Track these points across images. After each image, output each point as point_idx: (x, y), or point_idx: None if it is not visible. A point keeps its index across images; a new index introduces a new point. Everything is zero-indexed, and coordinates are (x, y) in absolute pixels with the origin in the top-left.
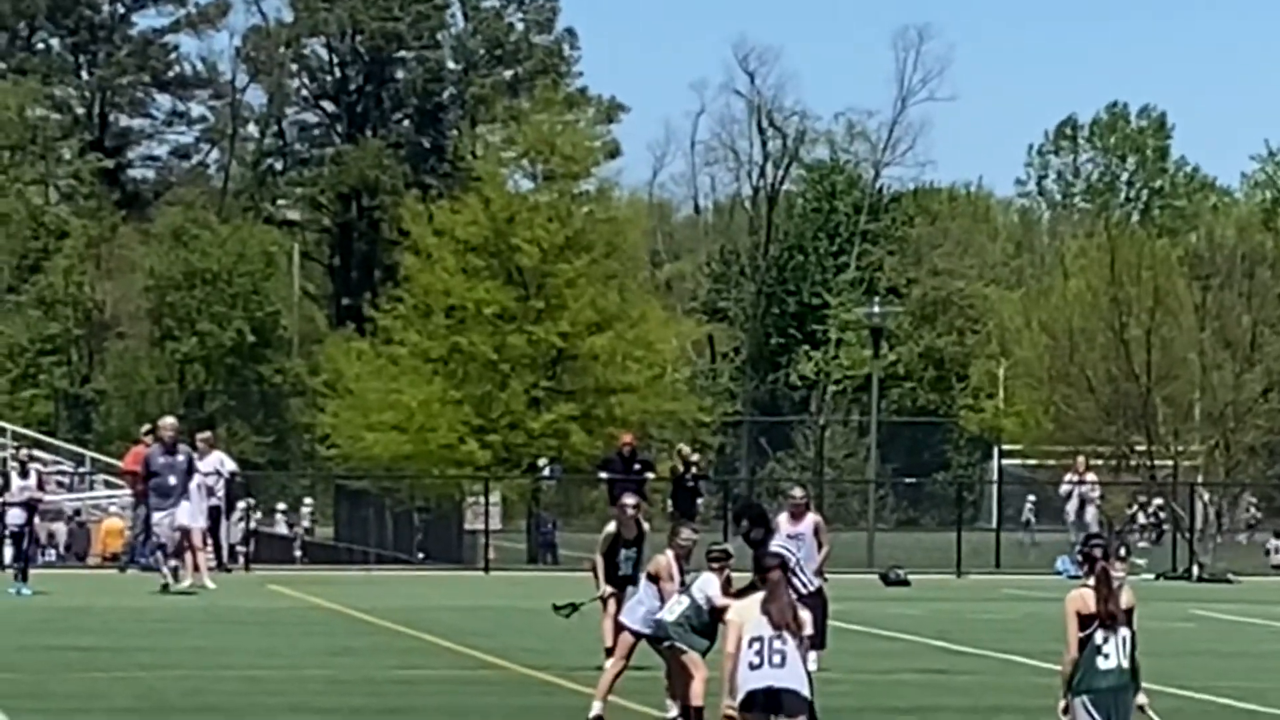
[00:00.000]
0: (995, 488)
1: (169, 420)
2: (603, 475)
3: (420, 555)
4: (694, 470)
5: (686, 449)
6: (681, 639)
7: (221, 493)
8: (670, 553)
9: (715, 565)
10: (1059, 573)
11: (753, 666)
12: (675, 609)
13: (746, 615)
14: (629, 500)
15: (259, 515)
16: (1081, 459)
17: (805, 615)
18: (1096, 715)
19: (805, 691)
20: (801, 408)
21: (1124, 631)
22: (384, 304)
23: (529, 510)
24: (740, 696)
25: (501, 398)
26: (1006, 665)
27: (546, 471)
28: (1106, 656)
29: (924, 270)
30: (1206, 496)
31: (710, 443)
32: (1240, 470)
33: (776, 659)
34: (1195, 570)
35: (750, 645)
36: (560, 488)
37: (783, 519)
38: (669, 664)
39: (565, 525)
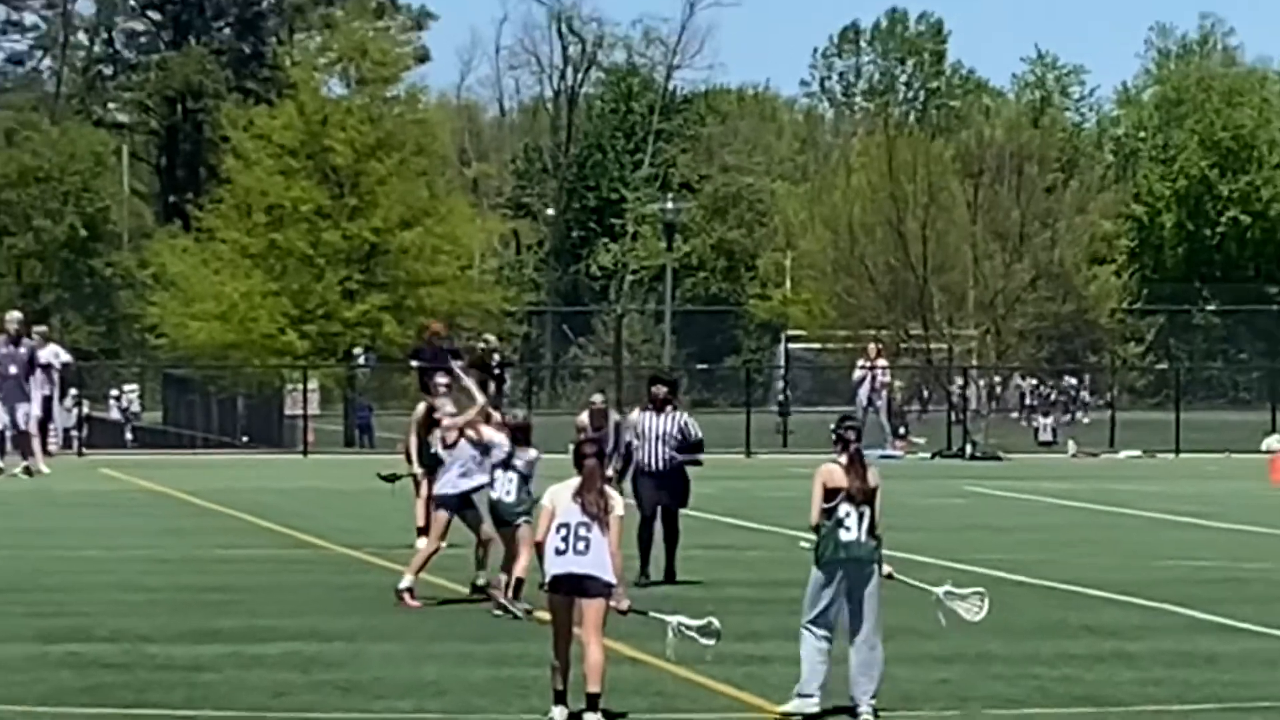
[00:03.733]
0: (782, 371)
1: (14, 314)
2: (414, 363)
3: (244, 439)
4: (498, 357)
5: (491, 338)
6: (532, 512)
7: (56, 382)
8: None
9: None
10: None
11: (558, 552)
12: (510, 487)
13: (559, 500)
14: (441, 380)
15: (89, 403)
16: (873, 346)
17: (616, 500)
18: (835, 583)
19: (607, 576)
20: (601, 297)
21: (865, 508)
22: (207, 203)
23: (345, 396)
24: (547, 579)
25: (318, 290)
26: (791, 540)
27: (361, 359)
28: (848, 529)
29: (715, 167)
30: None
31: (516, 330)
32: (1010, 354)
33: (581, 545)
34: (968, 448)
35: (557, 531)
36: (374, 374)
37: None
38: (479, 535)
39: (380, 409)
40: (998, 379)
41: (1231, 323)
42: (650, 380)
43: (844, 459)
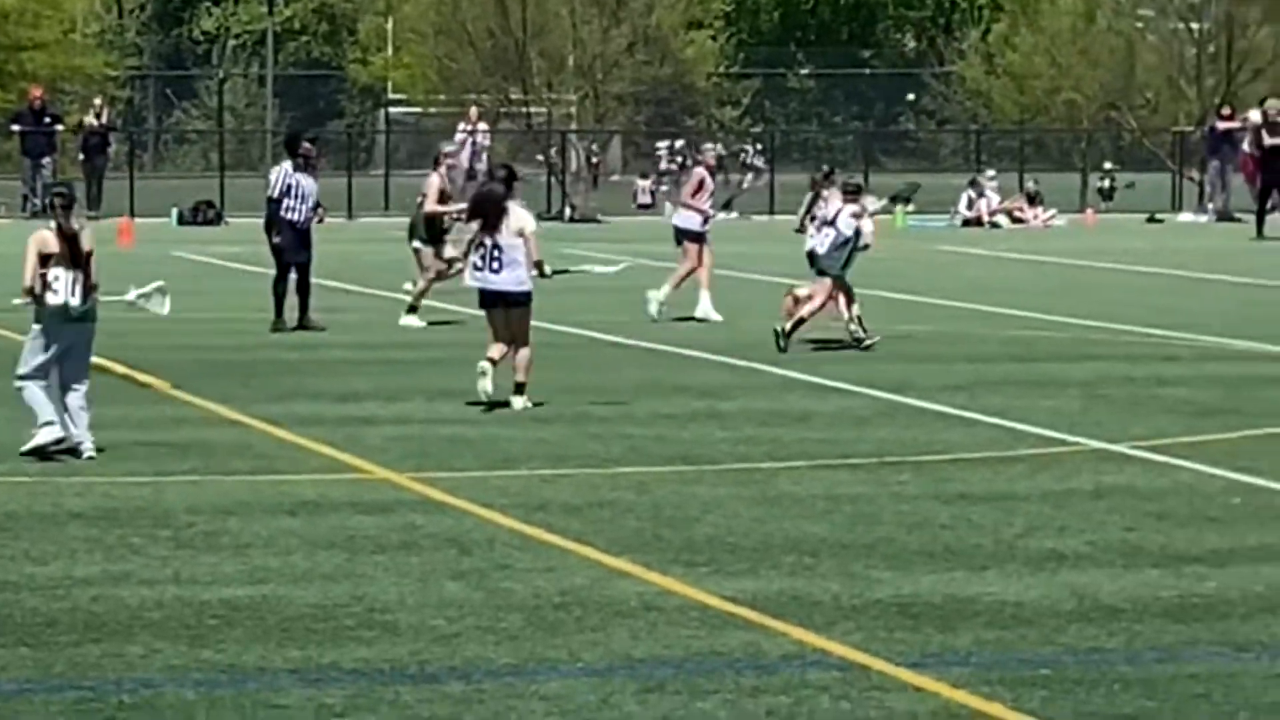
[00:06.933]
0: (384, 136)
1: None
2: (15, 128)
3: None
4: (103, 121)
5: (98, 102)
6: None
7: None
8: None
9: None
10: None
11: (475, 268)
12: (826, 242)
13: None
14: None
15: None
16: (474, 110)
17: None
18: (45, 341)
19: (520, 289)
20: (204, 61)
21: (77, 271)
22: None
23: None
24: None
25: None
26: (388, 302)
27: None
28: (56, 292)
29: None
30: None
31: (119, 95)
32: (609, 118)
33: (495, 265)
34: (568, 212)
35: (477, 249)
36: None
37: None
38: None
39: None
40: (597, 142)
41: (825, 86)
42: (296, 137)
43: (54, 225)
